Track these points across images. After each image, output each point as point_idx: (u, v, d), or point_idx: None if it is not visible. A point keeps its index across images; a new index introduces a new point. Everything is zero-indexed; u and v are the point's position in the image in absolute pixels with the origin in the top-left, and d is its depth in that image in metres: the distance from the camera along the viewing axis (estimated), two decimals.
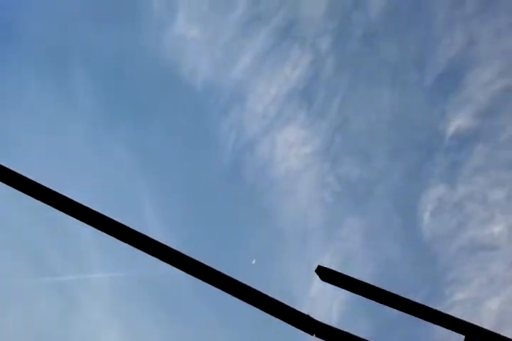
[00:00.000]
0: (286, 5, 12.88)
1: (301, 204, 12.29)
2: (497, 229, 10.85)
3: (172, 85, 13.24)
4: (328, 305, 11.18)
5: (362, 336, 2.54)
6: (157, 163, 13.08)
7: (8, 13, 12.65)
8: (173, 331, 11.71)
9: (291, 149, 12.60)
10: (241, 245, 12.26)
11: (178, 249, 2.49)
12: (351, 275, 2.67)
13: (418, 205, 11.51)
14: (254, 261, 11.68)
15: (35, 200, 2.37)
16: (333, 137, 12.36)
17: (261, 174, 12.56)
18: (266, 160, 12.58)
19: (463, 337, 2.66)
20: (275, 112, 12.68)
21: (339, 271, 2.66)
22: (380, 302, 2.65)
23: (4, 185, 2.34)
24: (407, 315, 2.65)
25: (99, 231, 2.39)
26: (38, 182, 2.38)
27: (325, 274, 2.65)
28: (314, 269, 2.66)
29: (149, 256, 2.43)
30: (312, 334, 2.45)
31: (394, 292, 2.64)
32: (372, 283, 2.73)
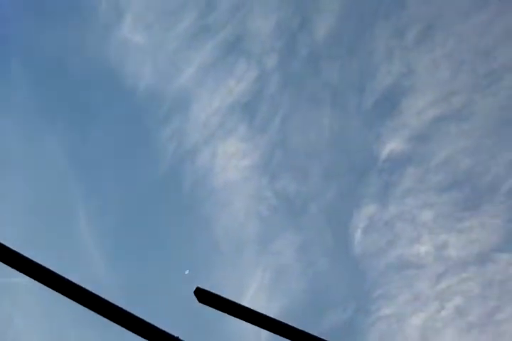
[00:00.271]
0: (235, 19, 13.10)
1: (238, 216, 12.48)
2: (423, 248, 11.52)
3: (113, 89, 13.08)
4: None
5: None
6: (93, 168, 12.84)
7: None
8: None
9: (231, 161, 12.78)
10: (175, 255, 12.27)
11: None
12: (228, 298, 2.61)
13: (350, 223, 12.01)
14: (187, 272, 11.72)
15: None
16: (272, 152, 12.66)
17: (200, 184, 12.65)
18: (205, 171, 12.68)
19: None
20: (217, 123, 12.83)
21: (217, 294, 2.60)
22: (258, 326, 2.60)
23: None
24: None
25: None
26: None
27: (203, 296, 2.58)
28: (193, 291, 2.59)
29: None
30: None
31: (275, 317, 2.68)
32: (273, 318, 2.64)
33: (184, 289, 11.91)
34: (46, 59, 12.76)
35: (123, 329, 2.44)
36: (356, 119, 12.48)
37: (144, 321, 2.42)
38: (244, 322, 2.60)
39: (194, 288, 2.61)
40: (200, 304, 2.60)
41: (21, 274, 2.32)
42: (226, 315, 2.64)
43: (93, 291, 2.46)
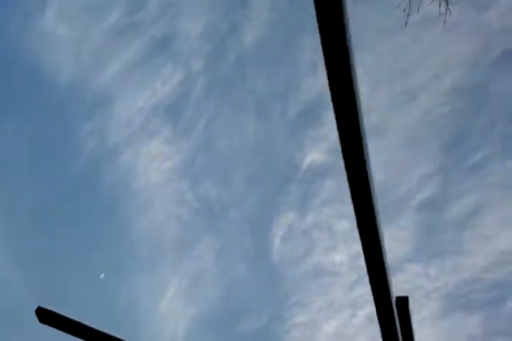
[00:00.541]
0: (165, 19, 12.89)
1: (158, 219, 12.34)
2: (339, 257, 11.98)
3: (32, 80, 12.45)
4: (175, 322, 11.37)
5: None
6: (3, 165, 12.17)
7: None
8: None
9: (153, 163, 12.59)
10: (91, 257, 11.93)
11: None
12: (70, 317, 2.59)
13: (270, 230, 12.25)
14: (102, 275, 11.45)
15: None
16: (195, 156, 12.62)
17: (119, 185, 12.36)
18: (126, 171, 12.41)
19: None
20: (140, 124, 12.59)
21: (60, 313, 2.57)
22: None
23: None
24: None
25: None
26: None
27: (44, 316, 2.55)
28: (34, 310, 2.55)
29: None
30: None
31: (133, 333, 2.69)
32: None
33: (98, 292, 11.59)
34: None
35: None
36: (280, 128, 12.72)
37: None
38: None
39: (36, 308, 2.57)
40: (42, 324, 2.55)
41: None
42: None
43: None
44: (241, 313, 11.49)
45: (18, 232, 11.88)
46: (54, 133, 12.52)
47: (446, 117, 12.37)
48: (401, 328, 2.77)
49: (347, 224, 12.18)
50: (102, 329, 2.56)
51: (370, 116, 12.72)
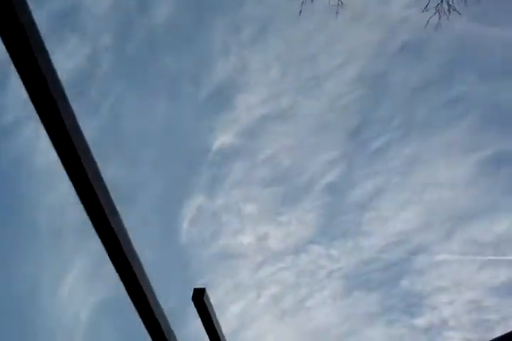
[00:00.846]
0: None
1: (60, 200, 11.92)
2: (246, 239, 12.19)
3: None
4: (78, 308, 11.12)
5: None
6: None
7: None
8: None
9: None
10: None
11: None
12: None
13: (178, 212, 12.21)
14: None
15: None
16: (101, 136, 12.27)
17: (20, 163, 11.79)
18: (27, 150, 11.85)
19: None
20: None
21: None
22: None
23: None
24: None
25: None
26: None
27: None
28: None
29: None
30: None
31: None
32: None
33: None
34: None
35: None
36: (190, 110, 12.64)
37: None
38: None
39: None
40: None
41: None
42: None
43: None
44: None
45: None
46: None
47: (352, 104, 12.84)
48: (202, 321, 2.75)
49: (255, 207, 12.41)
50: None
51: (280, 100, 12.94)
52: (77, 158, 1.74)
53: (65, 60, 12.06)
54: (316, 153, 12.91)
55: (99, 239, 2.03)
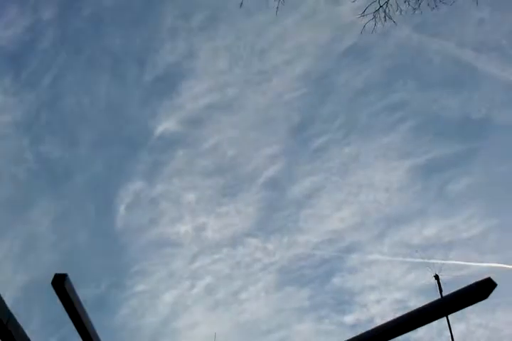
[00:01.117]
0: None
1: None
2: (184, 228, 11.90)
3: None
4: (2, 289, 10.39)
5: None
6: None
7: None
8: None
9: None
10: None
11: None
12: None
13: (115, 197, 11.73)
14: None
15: None
16: (39, 112, 11.61)
17: None
18: None
19: None
20: None
21: None
22: None
23: None
24: None
25: None
26: None
27: None
28: None
29: None
30: None
31: None
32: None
33: None
34: None
35: None
36: (134, 92, 12.23)
37: None
38: None
39: None
40: None
41: None
42: None
43: None
44: (79, 280, 10.86)
45: None
46: None
47: (296, 101, 12.93)
48: (64, 305, 2.69)
49: (194, 196, 12.17)
50: None
51: (226, 90, 12.80)
52: None
53: (5, 30, 11.33)
54: (258, 147, 12.89)
55: None
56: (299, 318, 11.72)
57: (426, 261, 11.76)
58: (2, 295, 2.45)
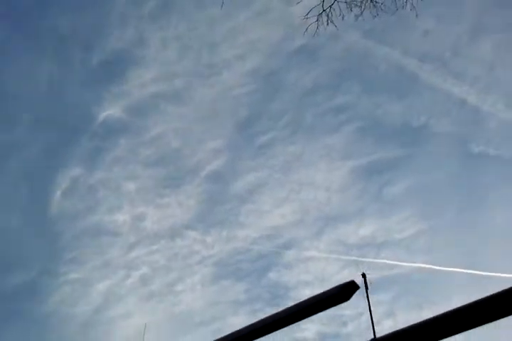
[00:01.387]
0: None
1: None
2: (122, 217, 11.75)
3: None
4: None
5: None
6: None
7: None
8: None
9: None
10: None
11: None
12: None
13: (52, 182, 11.47)
14: None
15: None
16: None
17: None
18: None
19: None
20: None
21: None
22: None
23: None
24: None
25: None
26: None
27: None
28: None
29: None
30: None
31: None
32: None
33: None
34: None
35: None
36: (79, 76, 11.97)
37: None
38: None
39: None
40: None
41: None
42: None
43: None
44: (8, 266, 10.59)
45: None
46: None
47: (244, 97, 12.96)
48: None
49: (135, 185, 12.04)
50: None
51: (174, 81, 12.70)
52: None
53: None
54: (203, 140, 12.85)
55: None
56: (234, 311, 11.80)
57: (359, 259, 12.05)
58: None
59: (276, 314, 1.46)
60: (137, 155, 12.05)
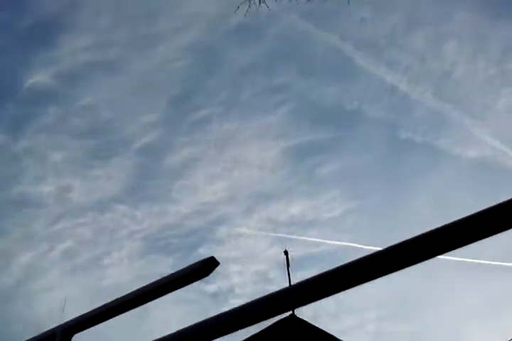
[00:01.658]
0: None
1: None
2: (47, 188, 11.40)
3: None
4: None
5: None
6: None
7: None
8: None
9: None
10: None
11: None
12: None
13: None
14: None
15: None
16: None
17: None
18: None
19: None
20: None
21: None
22: None
23: None
24: None
25: None
26: None
27: None
28: None
29: None
30: None
31: None
32: None
33: None
34: None
35: None
36: (5, 39, 11.41)
37: None
38: None
39: None
40: None
41: None
42: None
43: None
44: None
45: None
46: None
47: (181, 71, 12.75)
48: None
49: (62, 156, 11.69)
50: None
51: (109, 50, 12.33)
52: None
53: None
54: (137, 112, 12.59)
55: None
56: None
57: (288, 236, 12.24)
58: None
59: (135, 291, 1.47)
60: (66, 125, 11.68)
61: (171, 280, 1.69)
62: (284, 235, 12.00)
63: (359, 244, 10.67)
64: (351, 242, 10.84)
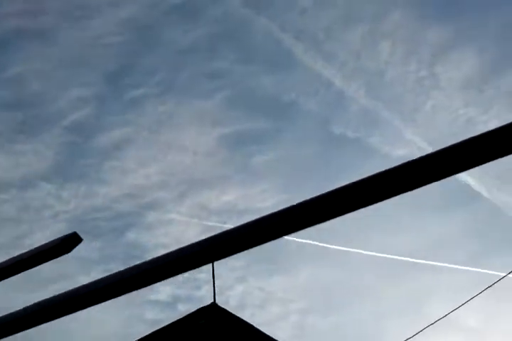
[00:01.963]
0: None
1: None
2: None
3: None
4: None
5: None
6: None
7: None
8: None
9: None
10: None
11: None
12: None
13: None
14: None
15: None
16: None
17: None
18: None
19: None
20: None
21: None
22: None
23: None
24: None
25: None
26: None
27: None
28: None
29: None
30: None
31: None
32: None
33: None
34: None
35: None
36: None
37: None
38: None
39: None
40: None
41: None
42: None
43: None
44: None
45: None
46: None
47: (116, 47, 12.29)
48: None
49: None
50: None
51: (40, 18, 11.72)
52: None
53: None
54: (68, 86, 12.06)
55: None
56: (86, 269, 11.41)
57: (219, 225, 12.06)
58: None
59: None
60: None
61: (30, 255, 1.54)
62: (215, 223, 11.84)
63: (289, 235, 10.64)
64: None
